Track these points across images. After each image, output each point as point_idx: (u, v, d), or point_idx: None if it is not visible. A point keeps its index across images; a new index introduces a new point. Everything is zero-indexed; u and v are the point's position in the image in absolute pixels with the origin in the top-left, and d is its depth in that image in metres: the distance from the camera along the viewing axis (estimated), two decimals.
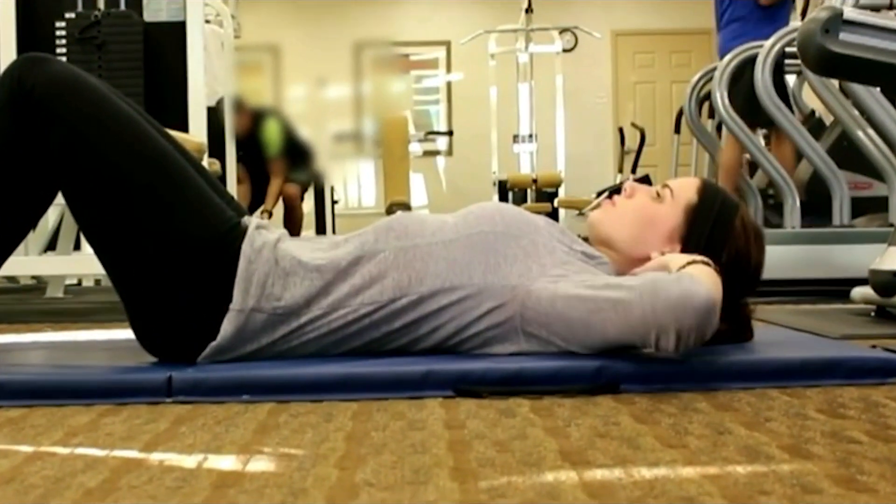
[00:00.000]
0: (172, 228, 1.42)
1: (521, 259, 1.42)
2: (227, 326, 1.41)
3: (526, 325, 1.40)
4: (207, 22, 3.84)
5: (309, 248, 1.48)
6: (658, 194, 1.51)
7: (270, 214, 5.93)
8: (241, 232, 1.46)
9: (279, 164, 5.84)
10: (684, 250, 1.46)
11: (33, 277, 4.56)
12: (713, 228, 1.47)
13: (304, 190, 6.11)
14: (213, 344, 1.41)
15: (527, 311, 1.39)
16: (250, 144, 5.11)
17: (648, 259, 1.46)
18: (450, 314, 1.42)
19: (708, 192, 1.51)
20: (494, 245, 1.43)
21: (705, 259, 1.36)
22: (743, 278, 1.48)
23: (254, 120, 5.39)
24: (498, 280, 1.41)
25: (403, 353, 1.45)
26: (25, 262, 3.45)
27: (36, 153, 1.44)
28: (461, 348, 1.45)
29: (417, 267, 1.43)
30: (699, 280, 1.27)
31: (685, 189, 1.51)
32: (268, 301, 1.42)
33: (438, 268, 1.42)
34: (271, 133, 5.69)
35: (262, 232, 1.47)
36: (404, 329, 1.44)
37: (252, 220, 1.50)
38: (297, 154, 5.97)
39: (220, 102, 4.07)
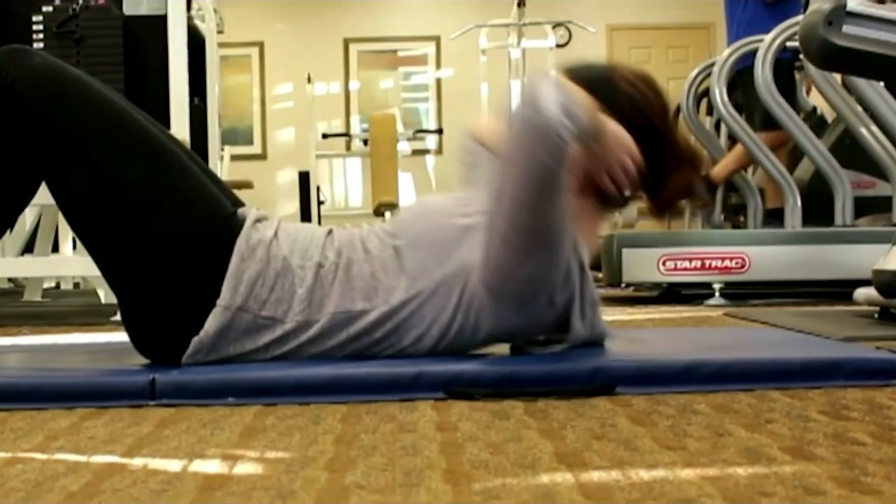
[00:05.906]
0: (164, 219, 1.39)
1: (463, 235, 1.41)
2: (212, 322, 1.39)
3: (493, 287, 1.37)
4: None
5: (302, 246, 1.44)
6: None
7: None
8: (238, 224, 1.43)
9: None
10: None
11: (10, 280, 4.50)
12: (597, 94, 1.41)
13: None
14: (196, 339, 1.39)
15: (483, 273, 1.37)
16: None
17: None
18: (428, 318, 1.40)
19: (579, 75, 1.44)
20: (435, 238, 1.42)
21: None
22: (654, 122, 1.45)
23: None
24: (453, 265, 1.40)
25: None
26: (2, 265, 3.40)
27: (17, 146, 1.41)
28: (462, 345, 1.42)
29: (379, 277, 1.41)
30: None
31: None
32: (255, 302, 1.39)
33: (399, 281, 1.41)
34: None
35: (259, 228, 1.44)
36: (386, 339, 1.42)
37: (250, 213, 1.47)
38: None
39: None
